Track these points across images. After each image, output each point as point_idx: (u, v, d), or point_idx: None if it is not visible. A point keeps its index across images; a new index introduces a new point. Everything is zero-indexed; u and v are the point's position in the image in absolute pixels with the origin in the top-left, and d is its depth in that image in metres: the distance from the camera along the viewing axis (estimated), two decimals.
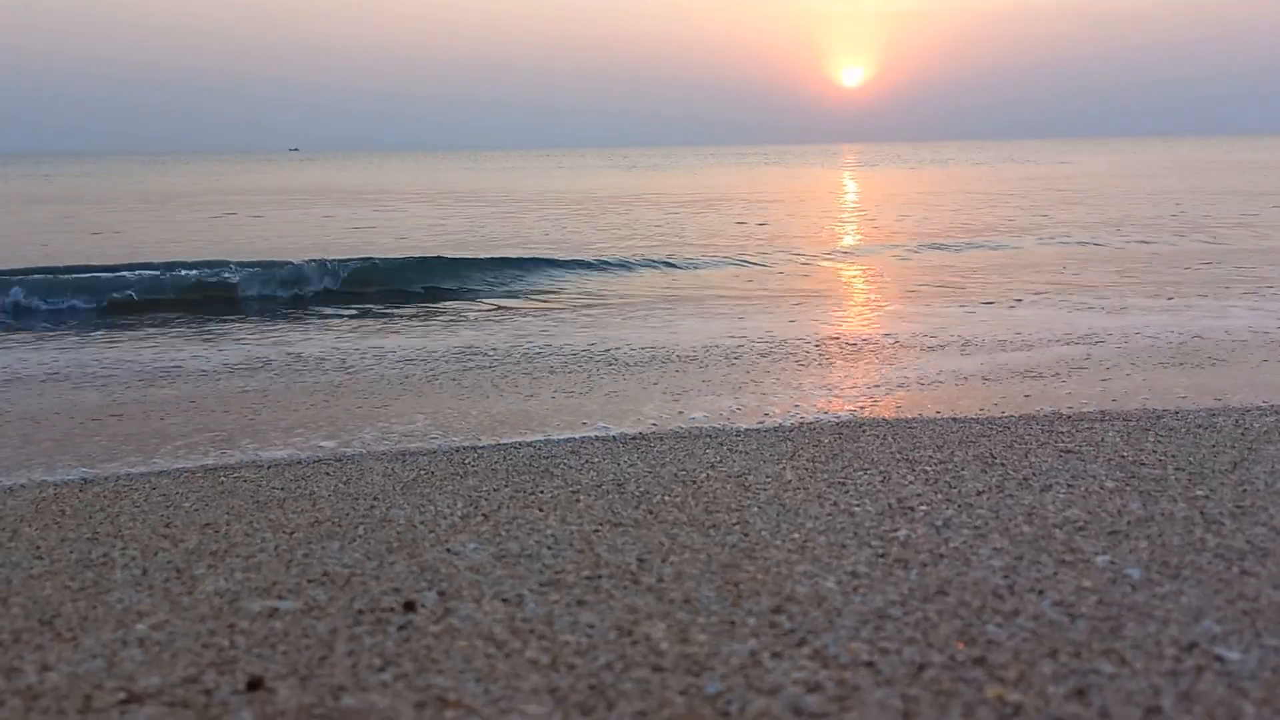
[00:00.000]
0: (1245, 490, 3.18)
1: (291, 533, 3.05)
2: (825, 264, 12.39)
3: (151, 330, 8.35)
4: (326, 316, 9.07)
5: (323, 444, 4.48)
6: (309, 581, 2.60)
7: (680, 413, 4.94)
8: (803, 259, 12.82)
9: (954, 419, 4.53)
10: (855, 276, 11.29)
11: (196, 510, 3.35)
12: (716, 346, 6.87)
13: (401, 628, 2.26)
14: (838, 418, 4.70)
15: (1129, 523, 2.87)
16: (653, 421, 4.75)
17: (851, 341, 6.96)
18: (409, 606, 2.37)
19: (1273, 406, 4.57)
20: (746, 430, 4.45)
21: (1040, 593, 2.34)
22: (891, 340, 6.97)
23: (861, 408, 4.95)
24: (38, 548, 2.97)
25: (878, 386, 5.48)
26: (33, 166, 74.72)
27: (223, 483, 3.75)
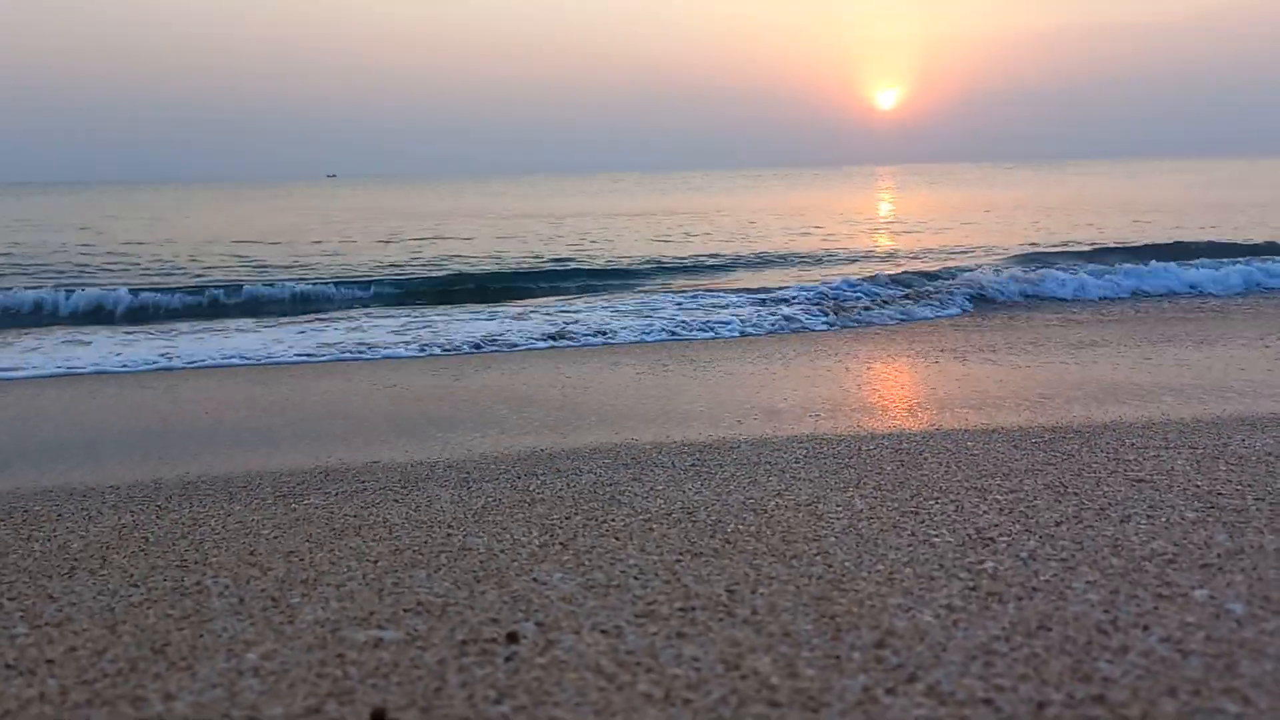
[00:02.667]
0: None
1: (376, 561, 3.08)
2: None
3: None
4: None
5: None
6: (405, 611, 2.63)
7: None
8: None
9: (1015, 446, 4.51)
10: None
11: (277, 538, 3.39)
12: None
13: (508, 659, 2.28)
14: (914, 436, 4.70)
15: (1219, 555, 2.85)
16: None
17: None
18: (512, 638, 2.39)
19: None
20: (806, 457, 4.45)
21: (1145, 628, 2.33)
22: None
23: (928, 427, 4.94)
24: (131, 575, 3.01)
25: None
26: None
27: (294, 510, 3.79)
